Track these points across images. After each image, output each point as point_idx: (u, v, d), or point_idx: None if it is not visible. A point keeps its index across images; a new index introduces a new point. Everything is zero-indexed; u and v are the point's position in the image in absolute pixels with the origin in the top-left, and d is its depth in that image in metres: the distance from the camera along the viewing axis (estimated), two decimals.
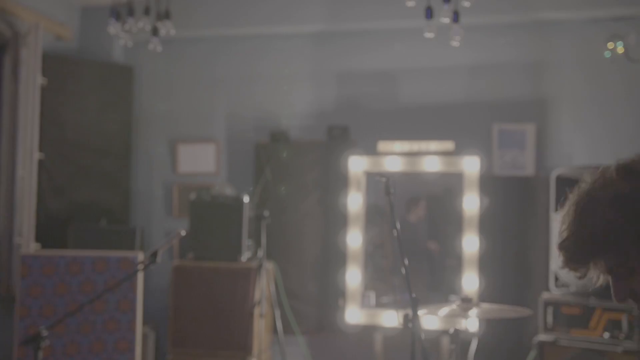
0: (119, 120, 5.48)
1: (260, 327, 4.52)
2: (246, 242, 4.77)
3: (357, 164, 4.73)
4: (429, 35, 3.31)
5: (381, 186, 2.56)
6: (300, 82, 5.33)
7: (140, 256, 4.32)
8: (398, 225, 2.48)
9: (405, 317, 2.30)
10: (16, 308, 4.18)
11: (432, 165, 4.59)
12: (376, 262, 4.92)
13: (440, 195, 4.97)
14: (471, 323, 3.11)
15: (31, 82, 4.76)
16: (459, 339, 2.77)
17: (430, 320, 4.26)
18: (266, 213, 4.50)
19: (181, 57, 5.49)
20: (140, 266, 3.17)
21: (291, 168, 5.17)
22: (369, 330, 4.62)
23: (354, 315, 4.64)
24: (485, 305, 2.77)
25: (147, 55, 5.40)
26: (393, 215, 2.47)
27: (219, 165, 5.45)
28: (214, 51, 5.50)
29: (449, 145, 4.63)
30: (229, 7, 5.29)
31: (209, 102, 5.51)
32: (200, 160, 5.48)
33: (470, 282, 4.46)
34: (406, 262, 2.42)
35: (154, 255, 3.02)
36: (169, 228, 5.48)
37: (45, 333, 2.80)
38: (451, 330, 2.74)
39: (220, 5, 5.30)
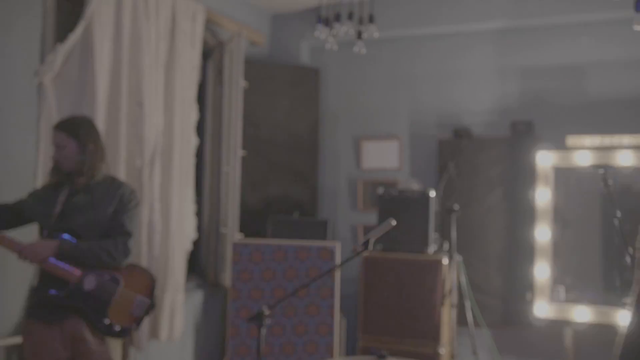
0: (307, 119, 5.82)
1: (452, 317, 4.66)
2: (432, 235, 4.92)
3: (545, 159, 4.75)
4: (638, 28, 3.29)
5: (600, 178, 2.61)
6: (483, 79, 5.39)
7: (338, 246, 4.61)
8: (619, 214, 2.52)
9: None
10: (229, 290, 4.60)
11: (626, 159, 4.50)
12: None
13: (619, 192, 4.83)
14: None
15: (234, 85, 5.19)
16: None
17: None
18: (456, 206, 4.62)
19: (364, 58, 5.72)
20: (355, 253, 3.40)
21: (474, 163, 5.25)
22: (558, 325, 4.62)
23: (542, 309, 4.66)
24: None
25: (332, 57, 5.73)
26: (614, 205, 2.52)
27: (402, 161, 5.64)
28: (396, 51, 5.70)
29: None
30: (412, 8, 5.46)
31: (391, 100, 5.72)
32: (383, 156, 5.70)
33: None
34: (630, 251, 2.46)
35: (367, 243, 3.24)
36: (354, 221, 5.76)
37: (267, 312, 3.08)
38: None
39: (402, 7, 5.49)
